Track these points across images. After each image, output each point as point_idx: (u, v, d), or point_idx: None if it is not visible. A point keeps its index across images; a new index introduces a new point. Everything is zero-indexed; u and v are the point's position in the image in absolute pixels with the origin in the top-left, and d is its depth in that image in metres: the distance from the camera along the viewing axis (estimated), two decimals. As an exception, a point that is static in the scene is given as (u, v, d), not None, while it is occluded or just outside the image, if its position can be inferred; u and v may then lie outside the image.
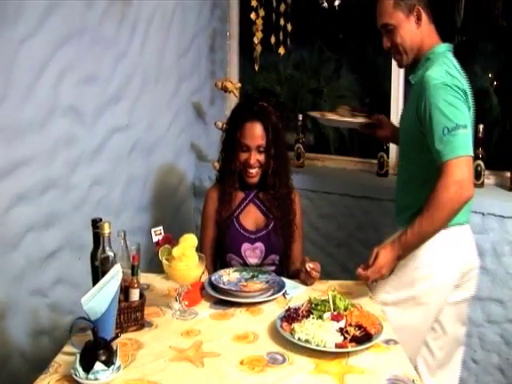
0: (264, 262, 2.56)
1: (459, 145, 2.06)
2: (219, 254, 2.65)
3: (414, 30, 2.30)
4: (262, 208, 2.61)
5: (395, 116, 3.41)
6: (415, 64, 2.35)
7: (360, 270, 2.18)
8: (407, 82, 3.18)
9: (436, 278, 2.24)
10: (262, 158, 2.51)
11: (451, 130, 2.06)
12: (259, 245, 2.56)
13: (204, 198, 2.70)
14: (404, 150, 2.48)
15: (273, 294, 2.19)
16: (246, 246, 2.56)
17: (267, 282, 2.27)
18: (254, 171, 2.52)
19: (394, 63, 3.35)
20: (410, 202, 2.33)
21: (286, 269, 2.64)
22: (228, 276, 2.32)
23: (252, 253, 2.56)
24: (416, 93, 2.25)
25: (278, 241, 2.59)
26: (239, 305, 2.12)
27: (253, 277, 2.33)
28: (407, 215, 2.28)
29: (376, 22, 2.36)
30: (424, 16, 2.30)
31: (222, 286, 2.21)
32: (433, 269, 2.24)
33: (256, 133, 2.49)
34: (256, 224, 2.60)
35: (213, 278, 2.25)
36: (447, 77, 2.16)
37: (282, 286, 2.23)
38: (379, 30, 2.37)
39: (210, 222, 2.63)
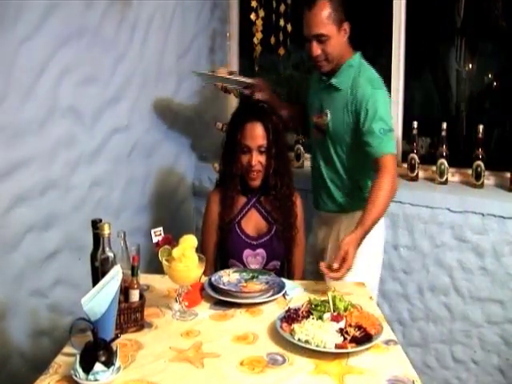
0: (265, 268, 2.56)
1: (393, 144, 2.49)
2: (221, 258, 2.64)
3: (341, 41, 2.58)
4: (264, 213, 2.60)
5: (395, 116, 3.41)
6: (333, 70, 2.62)
7: (334, 275, 2.16)
8: (406, 85, 3.22)
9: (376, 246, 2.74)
10: (263, 159, 2.50)
11: (387, 130, 2.46)
12: (261, 251, 2.56)
13: (206, 202, 2.69)
14: (335, 146, 2.67)
15: (273, 295, 2.18)
16: (247, 252, 2.56)
17: (267, 282, 2.27)
18: (255, 173, 2.51)
19: (393, 64, 3.36)
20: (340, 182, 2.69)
21: (288, 274, 2.62)
22: (228, 277, 2.32)
23: (253, 259, 2.56)
24: (347, 96, 2.55)
25: (280, 247, 2.58)
26: (239, 306, 2.11)
27: (252, 277, 2.32)
28: (343, 200, 2.71)
29: (306, 31, 2.55)
30: (348, 31, 2.59)
31: (221, 286, 2.21)
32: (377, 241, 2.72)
33: (257, 133, 2.48)
34: (258, 230, 2.59)
35: (213, 279, 2.25)
36: (382, 85, 2.57)
37: (281, 287, 2.22)
38: (306, 38, 2.56)
39: (211, 227, 2.62)
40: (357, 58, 2.63)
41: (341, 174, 2.69)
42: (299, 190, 2.72)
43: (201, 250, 2.44)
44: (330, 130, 2.65)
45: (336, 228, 2.75)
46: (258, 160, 2.49)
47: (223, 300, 2.14)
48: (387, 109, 2.53)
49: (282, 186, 2.55)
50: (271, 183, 2.54)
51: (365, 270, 2.53)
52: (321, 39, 2.51)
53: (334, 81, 2.62)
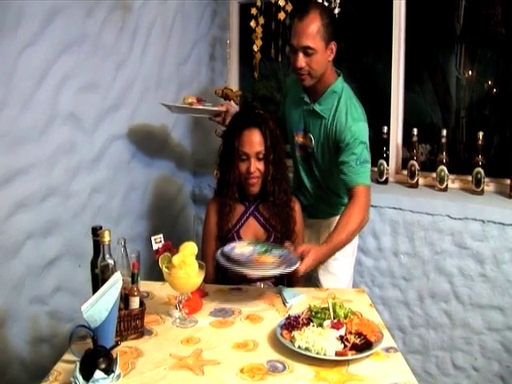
0: (265, 278, 2.55)
1: (367, 175, 2.55)
2: (221, 268, 2.62)
3: (326, 59, 2.57)
4: (262, 221, 2.59)
5: (395, 123, 3.42)
6: (317, 93, 2.66)
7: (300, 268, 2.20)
8: (406, 89, 3.22)
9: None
10: (261, 165, 2.49)
11: (362, 162, 2.51)
12: None
13: (205, 211, 2.69)
14: (318, 164, 2.76)
15: (284, 269, 2.14)
16: None
17: (280, 256, 2.24)
18: (254, 180, 2.50)
19: (393, 70, 3.37)
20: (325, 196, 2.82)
21: (288, 281, 2.61)
22: (241, 249, 2.30)
23: None
24: (329, 125, 2.61)
25: None
26: (239, 312, 2.12)
27: (266, 251, 2.29)
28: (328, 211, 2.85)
29: (295, 41, 2.52)
30: (334, 52, 2.58)
31: (233, 256, 2.21)
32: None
33: (254, 139, 2.47)
34: (256, 238, 2.57)
35: (226, 249, 2.25)
36: (362, 114, 2.61)
37: (294, 263, 2.17)
38: (293, 49, 2.54)
39: (211, 236, 2.61)
40: (340, 83, 2.66)
41: (322, 186, 2.81)
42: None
43: (201, 258, 2.44)
44: (315, 153, 2.73)
45: (317, 231, 2.90)
46: (256, 167, 2.48)
47: (235, 271, 2.16)
48: (365, 140, 2.56)
49: (279, 192, 2.54)
50: (269, 189, 2.53)
51: (335, 263, 2.79)
52: (307, 51, 2.50)
53: (318, 108, 2.66)
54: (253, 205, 2.60)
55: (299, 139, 2.78)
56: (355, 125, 2.55)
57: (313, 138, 2.71)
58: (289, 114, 2.84)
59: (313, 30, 2.48)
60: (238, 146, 2.48)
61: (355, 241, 2.88)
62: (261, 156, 2.48)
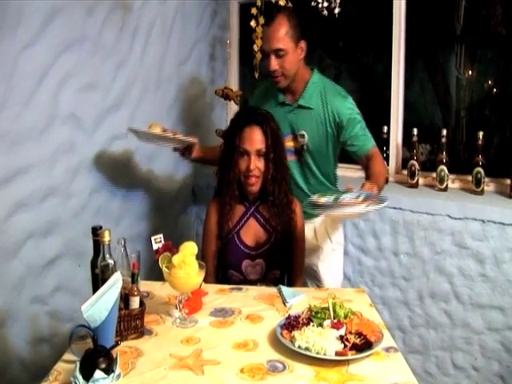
0: (265, 278, 2.55)
1: (371, 137, 2.76)
2: (220, 268, 2.62)
3: (298, 58, 2.70)
4: (262, 222, 2.58)
5: (395, 123, 3.42)
6: (297, 91, 2.77)
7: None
8: (406, 89, 3.22)
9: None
10: (261, 164, 2.48)
11: (364, 128, 2.74)
12: (260, 261, 2.54)
13: (205, 211, 2.68)
14: (315, 160, 2.85)
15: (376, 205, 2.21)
16: (246, 263, 2.54)
17: (358, 196, 2.23)
18: (254, 178, 2.48)
19: (393, 70, 3.37)
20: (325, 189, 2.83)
21: (288, 283, 2.61)
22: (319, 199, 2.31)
23: (253, 269, 2.54)
24: (321, 112, 2.73)
25: (279, 256, 2.56)
26: (239, 312, 2.12)
27: (336, 199, 2.26)
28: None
29: (266, 46, 2.67)
30: (305, 50, 2.71)
31: (323, 202, 2.24)
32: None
33: (255, 137, 2.46)
34: (256, 239, 2.57)
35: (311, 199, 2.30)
36: (345, 91, 2.80)
37: (377, 198, 2.24)
38: (265, 53, 2.69)
39: (211, 236, 2.60)
40: (316, 75, 2.80)
41: (320, 179, 2.89)
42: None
43: (201, 258, 2.44)
44: (310, 148, 2.80)
45: (313, 228, 2.94)
46: (256, 165, 2.47)
47: (333, 214, 2.29)
48: (357, 109, 2.76)
49: (279, 193, 2.52)
50: (269, 189, 2.51)
51: (331, 255, 2.95)
52: (279, 54, 2.63)
53: (303, 102, 2.77)
54: (253, 206, 2.59)
55: (288, 144, 2.78)
56: (347, 101, 2.75)
57: (305, 132, 2.76)
58: None
59: (281, 33, 2.61)
60: (238, 143, 2.47)
61: (343, 231, 3.06)
62: (261, 154, 2.47)
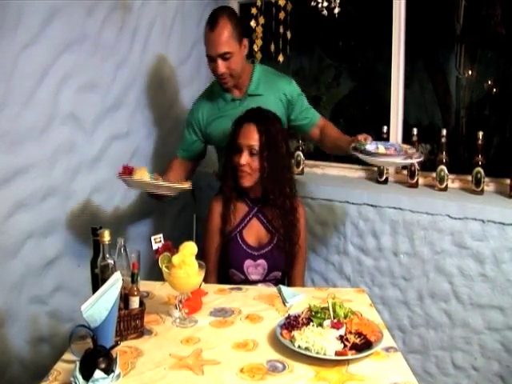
0: (266, 279, 2.55)
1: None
2: (222, 267, 2.63)
3: (242, 57, 2.76)
4: (265, 223, 2.58)
5: (395, 122, 3.42)
6: (244, 85, 2.83)
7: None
8: (406, 89, 3.22)
9: None
10: (254, 162, 2.47)
11: (309, 103, 2.96)
12: (262, 262, 2.55)
13: (208, 209, 2.68)
14: None
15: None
16: (248, 263, 2.55)
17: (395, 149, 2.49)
18: (243, 174, 2.48)
19: (393, 70, 3.37)
20: None
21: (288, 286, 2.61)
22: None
23: (254, 270, 2.55)
24: (271, 96, 2.82)
25: (281, 257, 2.56)
26: (239, 312, 2.12)
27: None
28: None
29: (211, 51, 2.67)
30: (247, 46, 2.78)
31: (370, 150, 2.43)
32: None
33: (249, 133, 2.47)
34: (259, 240, 2.58)
35: (368, 148, 2.45)
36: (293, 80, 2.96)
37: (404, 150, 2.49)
38: (211, 58, 2.69)
39: (214, 232, 2.61)
40: (258, 66, 2.90)
41: None
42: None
43: (201, 256, 2.44)
44: None
45: None
46: (247, 160, 2.47)
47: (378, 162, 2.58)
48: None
49: (280, 195, 2.52)
50: (268, 188, 2.52)
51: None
52: (225, 57, 2.66)
53: (253, 91, 2.83)
54: (256, 206, 2.59)
55: None
56: (292, 81, 2.92)
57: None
58: (222, 132, 2.79)
59: (226, 36, 2.63)
60: (235, 138, 2.50)
61: None
62: (254, 152, 2.47)
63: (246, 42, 2.75)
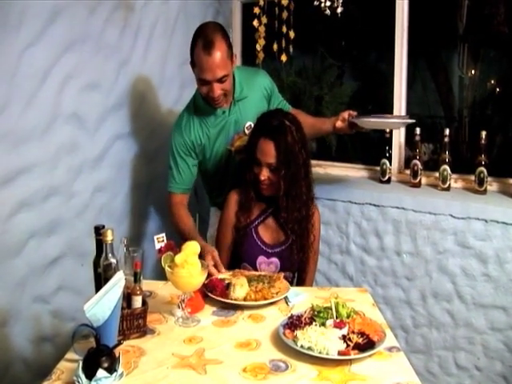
0: None
1: None
2: (234, 260, 2.62)
3: (232, 72, 2.62)
4: (282, 223, 2.56)
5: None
6: (229, 96, 2.70)
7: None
8: (409, 91, 3.23)
9: None
10: (273, 176, 2.46)
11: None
12: (274, 260, 2.54)
13: (225, 201, 2.67)
14: None
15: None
16: (261, 259, 2.54)
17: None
18: (264, 186, 2.49)
19: (396, 69, 3.37)
20: None
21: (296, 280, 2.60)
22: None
23: (267, 267, 2.55)
24: (254, 96, 2.81)
25: (294, 259, 2.55)
26: (242, 311, 2.12)
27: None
28: None
29: (209, 75, 2.51)
30: (236, 58, 2.67)
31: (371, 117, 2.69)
32: None
33: (268, 151, 2.43)
34: (274, 238, 2.58)
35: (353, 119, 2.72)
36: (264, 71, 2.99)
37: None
38: (206, 82, 2.54)
39: (228, 226, 2.61)
40: (235, 69, 2.72)
41: None
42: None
43: (215, 247, 2.48)
44: None
45: None
46: (267, 175, 2.46)
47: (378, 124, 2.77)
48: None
49: (293, 210, 2.48)
50: (281, 205, 2.49)
51: None
52: (222, 80, 2.54)
53: (238, 96, 2.75)
54: (274, 206, 2.58)
55: (237, 144, 2.79)
56: (264, 72, 2.96)
57: (250, 120, 2.75)
58: (215, 150, 2.80)
59: (222, 59, 2.50)
60: (255, 150, 2.47)
61: None
62: (272, 168, 2.45)
63: (235, 56, 2.63)
